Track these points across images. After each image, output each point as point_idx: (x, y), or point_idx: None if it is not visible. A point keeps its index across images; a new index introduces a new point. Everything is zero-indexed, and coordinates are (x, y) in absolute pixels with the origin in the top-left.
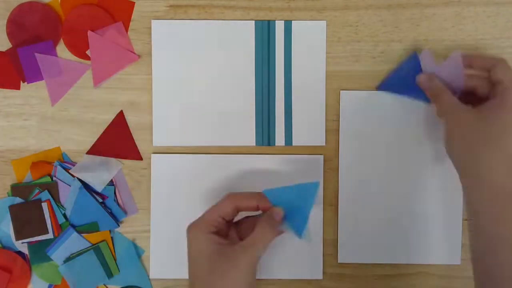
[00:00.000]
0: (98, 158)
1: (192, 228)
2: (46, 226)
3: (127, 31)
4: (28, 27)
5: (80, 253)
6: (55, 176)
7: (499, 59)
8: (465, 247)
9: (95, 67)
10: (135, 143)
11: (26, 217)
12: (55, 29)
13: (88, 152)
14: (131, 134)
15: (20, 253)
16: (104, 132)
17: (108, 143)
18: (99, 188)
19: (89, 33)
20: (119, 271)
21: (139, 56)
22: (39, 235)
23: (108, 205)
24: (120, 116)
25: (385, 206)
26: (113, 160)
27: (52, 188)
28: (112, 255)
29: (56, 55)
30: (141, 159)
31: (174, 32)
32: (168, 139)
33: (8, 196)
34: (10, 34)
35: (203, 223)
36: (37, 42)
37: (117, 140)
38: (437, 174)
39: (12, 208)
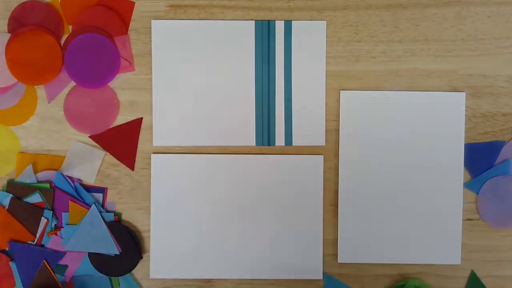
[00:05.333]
0: (81, 151)
1: None
2: (36, 233)
3: (127, 31)
4: (30, 25)
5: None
6: (53, 183)
7: None
8: (465, 247)
9: None
10: (136, 152)
11: (21, 217)
12: (57, 29)
13: (91, 137)
14: (137, 142)
15: (5, 252)
16: (115, 127)
17: (113, 138)
18: (91, 179)
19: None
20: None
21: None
22: (25, 240)
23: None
24: (137, 122)
25: (385, 206)
26: (94, 150)
27: (48, 196)
28: None
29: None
30: (132, 169)
31: (174, 32)
32: (168, 139)
33: (2, 191)
34: (12, 32)
35: None
36: None
37: (122, 141)
38: (437, 173)
39: (13, 201)
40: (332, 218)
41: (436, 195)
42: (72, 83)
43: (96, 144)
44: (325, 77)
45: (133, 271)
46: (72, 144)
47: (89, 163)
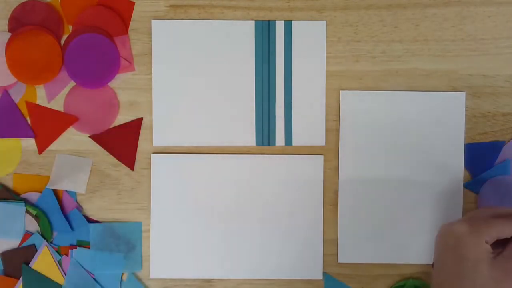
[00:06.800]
0: (67, 163)
1: None
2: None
3: (127, 31)
4: (30, 25)
5: None
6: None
7: None
8: None
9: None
10: (136, 152)
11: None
12: (57, 29)
13: (91, 137)
14: (137, 142)
15: None
16: (115, 127)
17: (113, 138)
18: (82, 189)
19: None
20: None
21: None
22: None
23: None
24: (137, 122)
25: (385, 206)
26: (81, 158)
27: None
28: None
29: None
30: (132, 169)
31: (174, 32)
32: (168, 139)
33: None
34: (12, 32)
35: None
36: None
37: (122, 141)
38: (437, 174)
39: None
40: (332, 218)
41: (436, 195)
42: (72, 83)
43: (82, 153)
44: (325, 77)
45: (134, 271)
46: (56, 157)
47: (77, 173)
